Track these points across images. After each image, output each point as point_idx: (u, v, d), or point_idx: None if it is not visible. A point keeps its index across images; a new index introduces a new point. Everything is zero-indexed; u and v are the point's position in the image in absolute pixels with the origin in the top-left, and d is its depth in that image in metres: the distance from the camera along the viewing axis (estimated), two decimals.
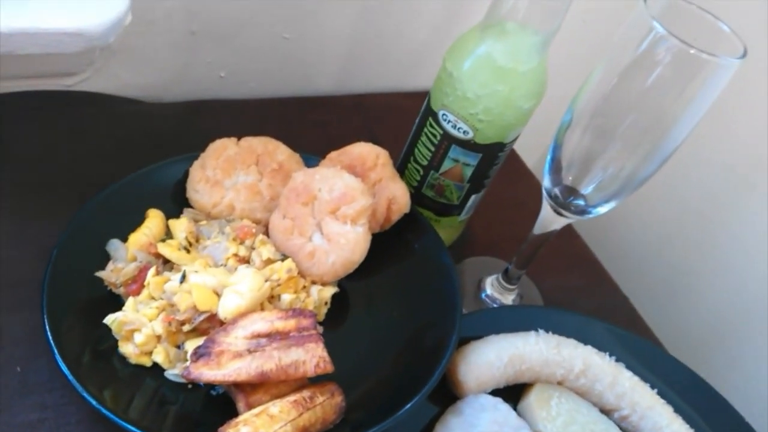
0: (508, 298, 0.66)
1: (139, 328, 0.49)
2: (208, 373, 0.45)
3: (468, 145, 0.57)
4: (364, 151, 0.60)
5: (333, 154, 0.61)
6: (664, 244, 0.87)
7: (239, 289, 0.50)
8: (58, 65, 0.68)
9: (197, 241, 0.56)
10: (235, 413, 0.45)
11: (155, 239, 0.55)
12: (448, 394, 0.53)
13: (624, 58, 0.46)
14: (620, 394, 0.55)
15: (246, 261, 0.54)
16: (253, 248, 0.55)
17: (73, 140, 0.66)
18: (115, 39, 0.56)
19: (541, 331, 0.56)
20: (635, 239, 0.91)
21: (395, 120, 0.69)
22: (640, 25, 0.44)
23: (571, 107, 0.50)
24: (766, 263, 0.75)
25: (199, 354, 0.46)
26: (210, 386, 0.49)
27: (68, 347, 0.46)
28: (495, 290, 0.66)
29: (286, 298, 0.53)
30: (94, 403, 0.43)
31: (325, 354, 0.46)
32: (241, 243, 0.55)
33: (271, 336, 0.47)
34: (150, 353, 0.49)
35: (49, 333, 0.46)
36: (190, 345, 0.49)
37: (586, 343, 0.56)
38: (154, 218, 0.56)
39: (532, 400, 0.54)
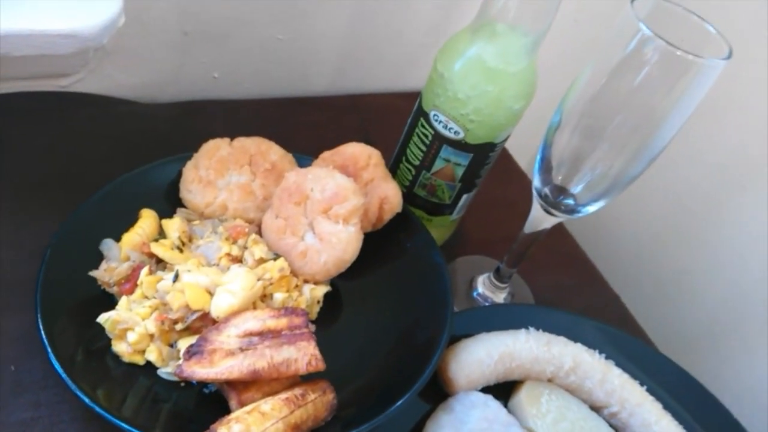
0: (500, 297, 0.66)
1: (132, 327, 0.49)
2: (200, 371, 0.45)
3: (459, 146, 0.57)
4: (356, 151, 0.60)
5: (326, 154, 0.61)
6: (655, 242, 0.88)
7: (232, 288, 0.50)
8: (53, 66, 0.68)
9: (190, 240, 0.56)
10: (227, 411, 0.45)
11: (148, 239, 0.55)
12: (439, 392, 0.54)
13: (612, 59, 0.46)
14: (610, 391, 0.55)
15: (239, 260, 0.55)
16: (245, 247, 0.55)
17: (68, 141, 0.66)
18: (108, 40, 0.57)
19: (531, 329, 0.57)
20: (626, 238, 0.91)
21: (389, 120, 0.70)
22: (627, 26, 0.44)
23: (560, 107, 0.51)
24: (757, 262, 0.75)
25: (191, 352, 0.46)
26: (202, 384, 0.49)
27: (62, 346, 0.46)
28: (486, 289, 0.66)
29: (279, 296, 0.53)
30: (87, 401, 0.43)
31: (316, 352, 0.46)
32: (234, 242, 0.55)
33: (264, 334, 0.47)
34: (143, 352, 0.50)
35: (42, 332, 0.46)
36: (183, 343, 0.49)
37: (576, 341, 0.57)
38: (147, 218, 0.56)
39: (522, 397, 0.54)
